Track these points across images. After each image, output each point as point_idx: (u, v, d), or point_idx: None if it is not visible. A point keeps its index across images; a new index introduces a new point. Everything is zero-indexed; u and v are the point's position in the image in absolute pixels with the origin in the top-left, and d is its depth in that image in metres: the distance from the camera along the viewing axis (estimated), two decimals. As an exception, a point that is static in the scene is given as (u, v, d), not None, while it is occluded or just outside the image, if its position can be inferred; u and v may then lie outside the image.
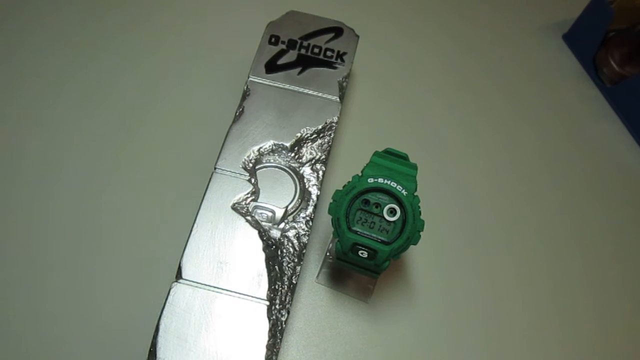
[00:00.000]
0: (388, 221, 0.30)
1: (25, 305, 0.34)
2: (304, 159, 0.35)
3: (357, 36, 0.41)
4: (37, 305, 0.34)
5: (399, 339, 0.35)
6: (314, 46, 0.40)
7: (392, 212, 0.30)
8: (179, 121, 0.42)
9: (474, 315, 0.36)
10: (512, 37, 0.50)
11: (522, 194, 0.42)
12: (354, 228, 0.30)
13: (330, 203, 0.31)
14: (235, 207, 0.33)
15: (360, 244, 0.30)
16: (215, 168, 0.34)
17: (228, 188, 0.34)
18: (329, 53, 0.39)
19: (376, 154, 0.32)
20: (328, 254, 0.37)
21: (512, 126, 0.45)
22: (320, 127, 0.36)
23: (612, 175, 0.43)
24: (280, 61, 0.39)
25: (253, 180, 0.34)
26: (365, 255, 0.30)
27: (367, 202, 0.30)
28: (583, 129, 0.45)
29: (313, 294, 0.36)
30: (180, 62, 0.45)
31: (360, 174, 0.31)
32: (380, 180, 0.30)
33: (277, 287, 0.31)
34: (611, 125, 0.46)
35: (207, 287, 0.30)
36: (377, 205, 0.30)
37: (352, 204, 0.31)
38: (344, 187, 0.31)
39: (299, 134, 0.36)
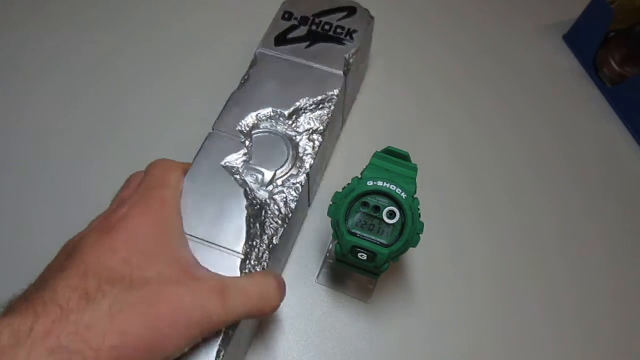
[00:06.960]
0: (387, 224, 0.30)
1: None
2: (301, 129, 0.36)
3: (372, 17, 0.41)
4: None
5: (399, 339, 0.36)
6: (326, 23, 0.40)
7: (392, 214, 0.30)
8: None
9: (474, 316, 0.37)
10: (512, 37, 0.50)
11: (523, 194, 0.42)
12: (354, 230, 0.31)
13: (330, 205, 0.31)
14: (225, 166, 0.33)
15: (359, 247, 0.30)
16: (213, 129, 0.35)
17: (222, 148, 0.34)
18: (339, 30, 0.40)
19: (376, 155, 0.32)
20: (328, 254, 0.37)
21: (512, 126, 0.45)
22: (320, 98, 0.36)
23: (612, 175, 0.43)
24: (291, 35, 0.39)
25: (247, 143, 0.34)
26: (364, 257, 0.30)
27: (366, 204, 0.31)
28: (583, 130, 0.45)
29: (313, 294, 0.37)
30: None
31: (360, 177, 0.31)
32: (380, 183, 0.30)
33: (255, 244, 0.31)
34: (612, 125, 0.46)
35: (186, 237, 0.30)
36: (377, 208, 0.30)
37: (352, 206, 0.31)
38: (343, 189, 0.31)
39: (298, 104, 0.36)
